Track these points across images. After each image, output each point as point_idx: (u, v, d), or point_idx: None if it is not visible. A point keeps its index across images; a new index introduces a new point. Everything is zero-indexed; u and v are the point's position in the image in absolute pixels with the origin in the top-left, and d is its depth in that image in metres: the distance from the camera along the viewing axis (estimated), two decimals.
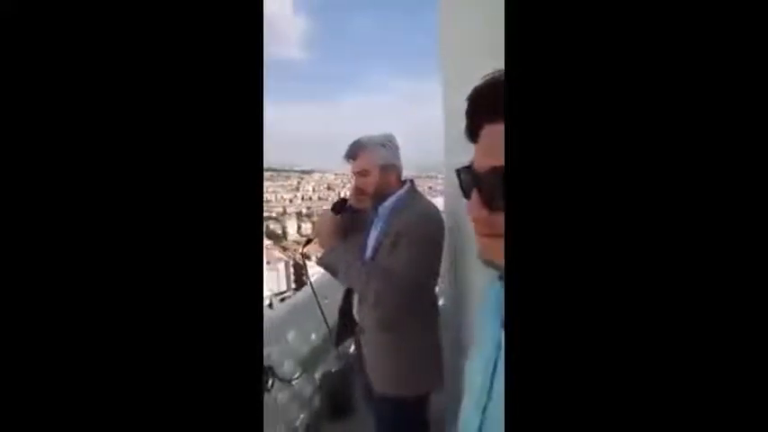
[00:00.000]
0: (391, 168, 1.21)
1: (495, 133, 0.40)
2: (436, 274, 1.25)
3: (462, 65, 1.16)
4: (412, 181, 1.26)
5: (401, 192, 1.22)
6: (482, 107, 0.42)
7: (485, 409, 0.44)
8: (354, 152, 1.20)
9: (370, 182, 1.19)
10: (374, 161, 1.19)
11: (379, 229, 1.21)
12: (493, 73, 0.41)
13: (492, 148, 0.40)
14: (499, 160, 0.38)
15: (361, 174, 1.20)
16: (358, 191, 1.22)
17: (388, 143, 1.21)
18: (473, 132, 0.43)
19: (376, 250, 1.18)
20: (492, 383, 0.44)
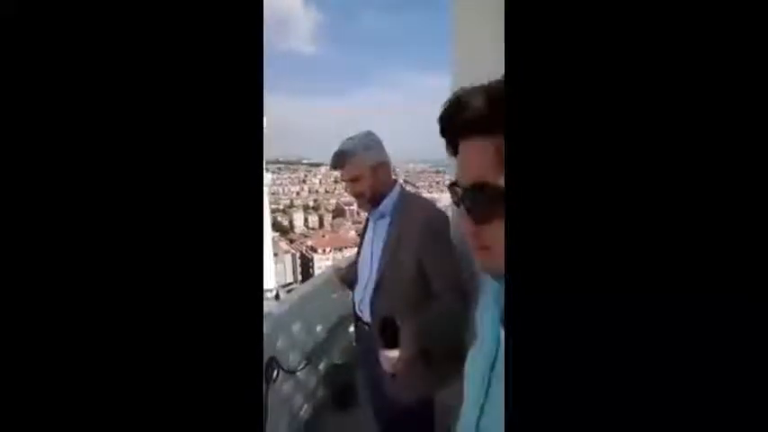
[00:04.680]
0: (382, 167, 1.20)
1: (469, 149, 0.40)
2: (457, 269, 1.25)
3: (473, 60, 1.15)
4: (400, 183, 1.26)
5: (393, 195, 1.21)
6: (451, 126, 0.42)
7: (483, 407, 0.44)
8: (341, 161, 1.18)
9: (365, 185, 1.19)
10: (364, 165, 1.17)
11: (384, 234, 1.20)
12: (458, 91, 0.41)
13: (469, 164, 0.40)
14: (477, 175, 0.39)
15: (353, 180, 1.19)
16: (355, 196, 1.22)
17: (371, 143, 1.19)
18: (452, 149, 0.44)
19: (386, 256, 1.17)
20: (491, 381, 0.44)
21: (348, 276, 1.36)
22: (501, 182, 0.37)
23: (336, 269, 1.47)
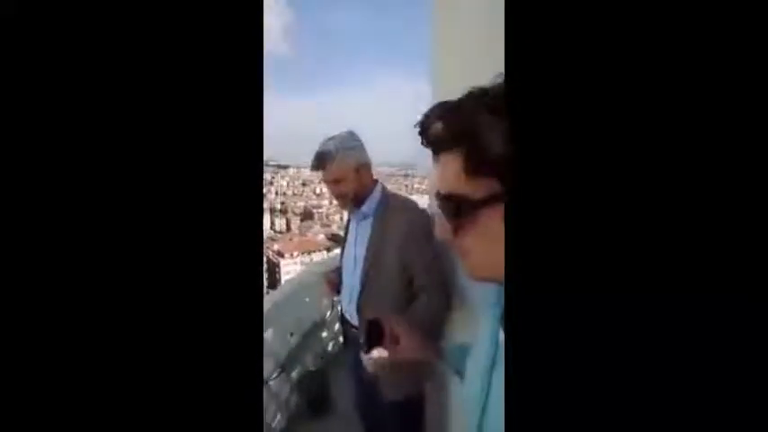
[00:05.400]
0: (364, 167, 1.19)
1: (442, 161, 0.41)
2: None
3: (452, 63, 1.16)
4: (382, 183, 1.26)
5: (376, 196, 1.21)
6: (425, 138, 0.42)
7: (484, 407, 0.44)
8: (322, 162, 1.16)
9: (348, 186, 1.17)
10: (347, 165, 1.15)
11: (368, 235, 1.19)
12: (434, 106, 0.42)
13: (442, 175, 0.41)
14: (448, 186, 0.40)
15: (335, 181, 1.17)
16: (337, 197, 1.20)
17: (353, 143, 1.18)
18: (435, 159, 0.44)
19: (371, 257, 1.17)
20: (491, 381, 0.44)
21: (337, 281, 1.34)
22: (471, 193, 0.38)
23: (326, 275, 1.46)
